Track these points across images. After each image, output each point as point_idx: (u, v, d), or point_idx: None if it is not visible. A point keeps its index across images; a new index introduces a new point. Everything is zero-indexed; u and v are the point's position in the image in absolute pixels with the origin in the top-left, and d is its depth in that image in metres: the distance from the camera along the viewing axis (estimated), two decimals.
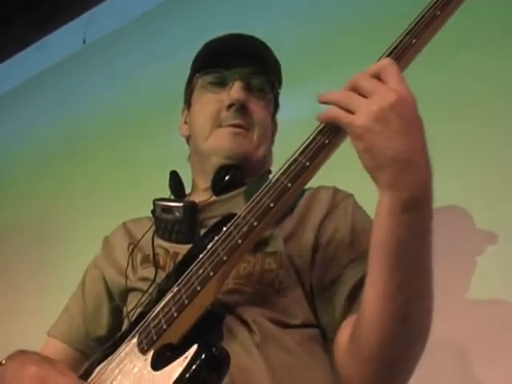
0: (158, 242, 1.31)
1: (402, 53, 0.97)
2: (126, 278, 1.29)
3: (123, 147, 2.84)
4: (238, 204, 1.26)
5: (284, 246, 1.19)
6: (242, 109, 1.31)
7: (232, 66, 1.33)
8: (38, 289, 2.76)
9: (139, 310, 1.21)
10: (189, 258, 1.17)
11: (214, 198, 1.30)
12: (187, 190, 1.42)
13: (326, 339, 1.18)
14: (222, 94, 1.33)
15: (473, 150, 1.76)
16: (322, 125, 1.00)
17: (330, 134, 0.98)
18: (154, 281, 1.23)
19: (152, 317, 1.08)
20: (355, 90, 0.93)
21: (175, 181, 1.40)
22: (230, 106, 1.31)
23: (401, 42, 0.98)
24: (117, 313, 1.36)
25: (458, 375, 1.61)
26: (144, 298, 1.22)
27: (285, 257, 1.18)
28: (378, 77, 0.92)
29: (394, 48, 0.97)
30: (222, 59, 1.34)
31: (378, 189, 0.92)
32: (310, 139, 1.01)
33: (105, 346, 1.20)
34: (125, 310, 1.31)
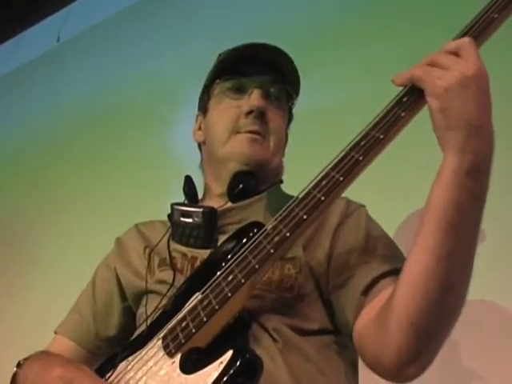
0: (174, 246, 1.32)
1: (481, 31, 1.02)
2: (146, 280, 1.30)
3: (95, 147, 2.85)
4: (255, 211, 1.29)
5: (303, 253, 1.22)
6: (260, 116, 1.33)
7: (251, 74, 1.36)
8: (6, 288, 2.75)
9: (158, 312, 1.22)
10: (210, 263, 1.20)
11: (231, 204, 1.32)
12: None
13: (342, 345, 1.21)
14: (241, 101, 1.35)
15: None
16: (351, 144, 1.03)
17: (361, 155, 1.02)
18: (172, 284, 1.24)
19: (178, 320, 1.09)
20: (433, 65, 0.98)
21: (190, 185, 1.41)
22: (248, 113, 1.33)
23: (479, 20, 1.03)
24: (128, 314, 1.37)
25: (445, 372, 1.67)
26: (163, 300, 1.24)
27: (303, 263, 1.21)
28: (455, 54, 0.98)
29: (471, 27, 1.03)
30: (242, 67, 1.36)
31: (443, 150, 0.96)
32: (340, 156, 1.05)
33: (122, 346, 1.21)
34: (139, 311, 1.32)
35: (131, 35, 3.02)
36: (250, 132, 1.33)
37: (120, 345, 1.28)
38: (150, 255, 1.33)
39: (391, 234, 1.28)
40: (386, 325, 1.02)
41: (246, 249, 1.07)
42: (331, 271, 1.21)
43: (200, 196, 1.43)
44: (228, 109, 1.37)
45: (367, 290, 1.13)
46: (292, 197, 1.27)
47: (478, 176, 0.95)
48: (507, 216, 1.75)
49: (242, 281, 1.04)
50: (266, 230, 1.07)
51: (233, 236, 1.19)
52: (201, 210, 1.30)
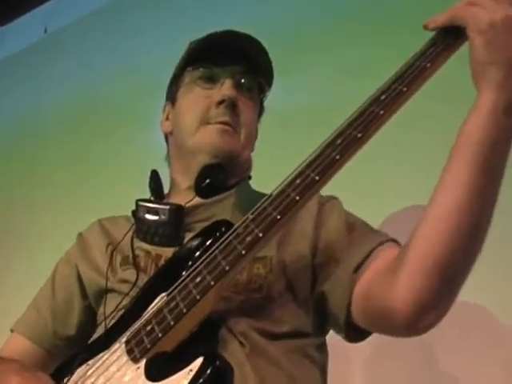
0: (138, 243, 1.26)
1: None
2: (107, 279, 1.24)
3: (82, 141, 2.78)
4: (224, 209, 1.24)
5: (276, 251, 1.17)
6: (231, 106, 1.28)
7: (224, 64, 1.30)
8: None
9: (119, 312, 1.17)
10: (174, 262, 1.15)
11: (199, 200, 1.26)
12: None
13: (315, 349, 1.17)
14: (212, 91, 1.30)
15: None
16: (326, 142, 1.00)
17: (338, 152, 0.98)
18: (135, 283, 1.19)
19: (142, 323, 1.04)
20: (473, 5, 0.97)
21: (155, 180, 1.35)
22: (219, 103, 1.27)
23: None
24: (88, 312, 1.30)
25: (428, 371, 1.67)
26: (124, 300, 1.18)
27: (276, 262, 1.16)
28: None
29: None
30: (214, 56, 1.31)
31: (478, 87, 0.95)
32: (316, 154, 1.01)
33: (80, 348, 1.16)
34: (100, 311, 1.26)
35: (120, 28, 2.95)
36: (221, 123, 1.27)
37: (79, 346, 1.23)
38: (112, 253, 1.27)
39: None
40: (401, 269, 0.96)
41: (216, 249, 1.03)
42: (320, 262, 1.16)
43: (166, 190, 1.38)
44: (198, 98, 1.31)
45: (358, 267, 1.09)
46: (261, 194, 1.24)
47: None
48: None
49: (212, 283, 0.99)
50: (236, 229, 1.03)
51: (199, 234, 1.15)
52: (167, 207, 1.24)
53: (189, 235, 1.20)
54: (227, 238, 1.02)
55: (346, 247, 1.13)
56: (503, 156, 0.95)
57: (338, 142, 1.00)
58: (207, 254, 1.03)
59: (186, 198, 1.27)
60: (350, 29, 2.20)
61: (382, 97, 1.01)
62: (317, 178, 0.98)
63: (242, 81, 1.31)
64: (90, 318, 1.30)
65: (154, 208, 1.25)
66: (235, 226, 1.04)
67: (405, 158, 1.82)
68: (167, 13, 2.76)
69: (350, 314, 1.09)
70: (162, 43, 2.53)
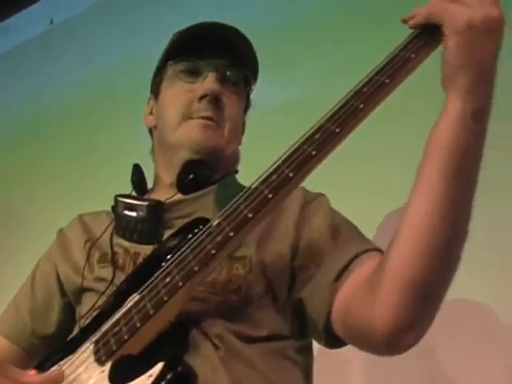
0: (118, 240, 1.23)
1: None
2: (83, 277, 1.20)
3: (85, 134, 2.75)
4: (206, 205, 1.20)
5: (256, 250, 1.12)
6: (215, 101, 1.23)
7: (207, 56, 1.26)
8: None
9: (94, 312, 1.13)
10: (151, 261, 1.12)
11: (180, 196, 1.22)
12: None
13: (296, 351, 1.12)
14: (195, 85, 1.25)
15: None
16: (305, 136, 0.95)
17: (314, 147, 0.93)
18: (111, 282, 1.15)
19: (111, 324, 1.00)
20: (454, 1, 0.91)
21: (138, 175, 1.32)
22: (202, 97, 1.23)
23: None
24: (68, 311, 1.27)
25: (423, 369, 1.63)
26: (100, 300, 1.14)
27: (256, 262, 1.11)
28: None
29: None
30: (197, 48, 1.26)
31: (447, 91, 0.91)
32: (292, 149, 0.96)
33: (54, 348, 1.12)
34: (77, 309, 1.23)
35: (125, 20, 2.92)
36: (203, 118, 1.23)
37: (56, 345, 1.20)
38: (90, 250, 1.24)
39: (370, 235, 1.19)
40: (379, 286, 0.92)
41: (187, 248, 0.98)
42: (299, 264, 1.11)
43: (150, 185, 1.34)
44: (180, 92, 1.27)
45: (339, 276, 1.04)
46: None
47: (483, 121, 0.90)
48: (487, 215, 1.68)
49: (180, 284, 0.95)
50: (209, 227, 0.98)
51: (177, 232, 1.11)
52: (146, 203, 1.20)
53: (168, 232, 1.16)
54: (200, 236, 0.98)
55: (327, 251, 1.08)
56: (475, 162, 0.90)
57: (316, 136, 0.95)
58: (179, 253, 0.99)
59: (168, 193, 1.23)
60: (345, 23, 2.16)
61: (364, 89, 0.95)
62: (291, 174, 0.94)
63: (227, 74, 1.27)
64: (69, 316, 1.27)
65: (132, 204, 1.21)
66: (208, 224, 0.99)
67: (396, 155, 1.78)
68: (173, 7, 2.72)
69: (329, 322, 1.04)
70: (168, 36, 2.51)
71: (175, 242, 1.08)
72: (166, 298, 0.95)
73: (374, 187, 1.81)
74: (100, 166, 2.63)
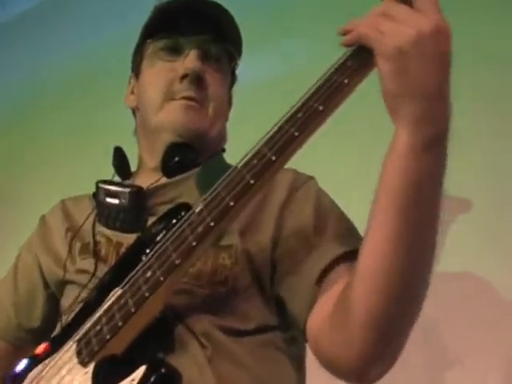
0: (100, 228, 1.18)
1: None
2: (65, 269, 1.16)
3: (83, 109, 2.69)
4: (191, 188, 1.15)
5: (240, 239, 1.07)
6: (197, 80, 1.17)
7: (188, 33, 1.19)
8: None
9: (77, 307, 1.09)
10: (134, 251, 1.07)
11: (164, 180, 1.17)
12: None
13: (286, 341, 1.08)
14: (176, 63, 1.19)
15: None
16: (286, 116, 0.88)
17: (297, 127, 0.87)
18: (93, 274, 1.10)
19: (93, 322, 0.96)
20: (384, 17, 0.81)
21: (119, 158, 1.26)
22: (183, 77, 1.17)
23: None
24: (52, 302, 1.22)
25: (429, 348, 1.59)
26: (83, 292, 1.10)
27: (240, 251, 1.06)
28: (409, 4, 0.81)
29: None
30: (178, 24, 1.20)
31: (394, 122, 0.82)
32: (273, 131, 0.90)
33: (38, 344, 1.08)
34: (61, 301, 1.18)
35: None
36: (185, 98, 1.17)
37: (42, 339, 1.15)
38: (71, 241, 1.19)
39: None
40: (343, 323, 0.88)
41: (168, 239, 0.93)
42: (279, 257, 1.06)
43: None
44: (161, 72, 1.21)
45: (321, 279, 0.99)
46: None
47: (439, 149, 0.81)
48: (495, 186, 1.63)
49: (161, 278, 0.90)
50: (191, 215, 0.93)
51: (160, 219, 1.05)
52: (127, 190, 1.15)
53: (152, 219, 1.11)
54: (181, 226, 0.93)
55: (309, 247, 1.02)
56: (432, 198, 0.82)
57: (299, 115, 0.88)
58: (160, 244, 0.94)
59: (152, 177, 1.18)
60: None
61: (348, 63, 0.88)
62: (273, 158, 0.88)
63: (211, 50, 1.21)
64: (55, 308, 1.22)
65: (114, 191, 1.16)
66: (191, 211, 0.94)
67: None
68: None
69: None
70: None
71: (157, 230, 1.03)
72: (147, 294, 0.90)
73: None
74: (97, 141, 2.56)
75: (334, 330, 0.91)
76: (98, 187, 1.18)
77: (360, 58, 0.86)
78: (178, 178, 1.16)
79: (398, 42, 0.78)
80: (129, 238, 1.11)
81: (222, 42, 1.22)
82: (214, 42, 1.21)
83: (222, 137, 1.26)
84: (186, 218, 0.93)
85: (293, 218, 1.08)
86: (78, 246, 1.18)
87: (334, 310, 0.92)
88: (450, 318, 1.55)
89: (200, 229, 0.89)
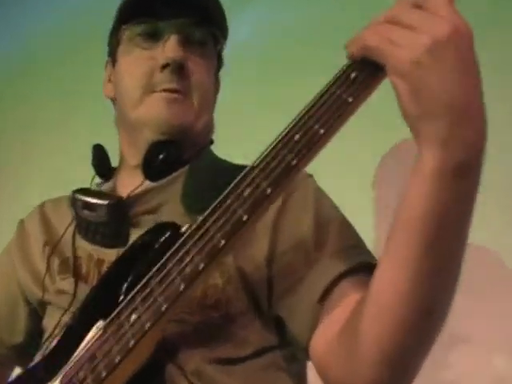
0: (80, 242, 1.09)
1: None
2: (44, 289, 1.08)
3: (65, 76, 2.62)
4: (176, 192, 1.06)
5: (232, 255, 0.97)
6: (178, 70, 1.06)
7: (168, 16, 1.07)
8: None
9: (59, 332, 1.00)
10: (117, 271, 0.97)
11: (147, 184, 1.06)
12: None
13: (287, 359, 1.01)
14: (155, 51, 1.07)
15: None
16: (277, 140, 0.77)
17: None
18: (74, 297, 1.02)
19: (76, 368, 0.87)
20: (394, 25, 0.70)
21: (99, 157, 1.15)
22: (164, 67, 1.06)
23: None
24: (35, 317, 1.14)
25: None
26: (64, 317, 1.02)
27: (233, 269, 0.97)
28: (421, 7, 0.70)
29: None
30: (155, 6, 1.07)
31: (418, 145, 0.71)
32: (268, 151, 0.78)
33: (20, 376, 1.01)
34: (44, 320, 1.10)
35: None
36: (167, 90, 1.06)
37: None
38: (49, 257, 1.09)
39: None
40: (355, 352, 0.81)
41: (153, 277, 0.84)
42: (276, 274, 0.97)
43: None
44: (139, 61, 1.09)
45: (324, 297, 0.91)
46: (225, 163, 1.11)
47: (468, 175, 0.70)
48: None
49: (147, 325, 0.82)
50: (178, 249, 0.83)
51: (142, 238, 0.96)
52: (105, 202, 1.04)
53: (135, 231, 1.03)
54: (167, 261, 0.84)
55: (309, 262, 0.94)
56: (458, 230, 0.72)
57: (296, 138, 0.77)
58: (144, 281, 0.85)
59: (135, 177, 1.08)
60: None
61: (352, 74, 0.75)
62: (269, 190, 0.77)
63: (194, 34, 1.09)
64: (37, 322, 1.14)
65: (90, 203, 1.05)
66: (178, 244, 0.83)
67: None
68: None
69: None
70: None
71: (141, 248, 0.94)
72: (132, 343, 0.82)
73: None
74: (89, 104, 2.47)
75: (341, 359, 0.85)
76: (73, 198, 1.07)
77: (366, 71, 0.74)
78: (162, 181, 1.06)
79: (414, 55, 0.67)
80: (110, 255, 1.03)
81: (204, 26, 1.10)
82: (195, 26, 1.08)
83: (209, 129, 1.16)
84: (173, 250, 0.84)
85: (290, 228, 0.99)
86: (56, 262, 1.10)
87: (342, 338, 0.85)
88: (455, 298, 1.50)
89: (188, 270, 0.80)
